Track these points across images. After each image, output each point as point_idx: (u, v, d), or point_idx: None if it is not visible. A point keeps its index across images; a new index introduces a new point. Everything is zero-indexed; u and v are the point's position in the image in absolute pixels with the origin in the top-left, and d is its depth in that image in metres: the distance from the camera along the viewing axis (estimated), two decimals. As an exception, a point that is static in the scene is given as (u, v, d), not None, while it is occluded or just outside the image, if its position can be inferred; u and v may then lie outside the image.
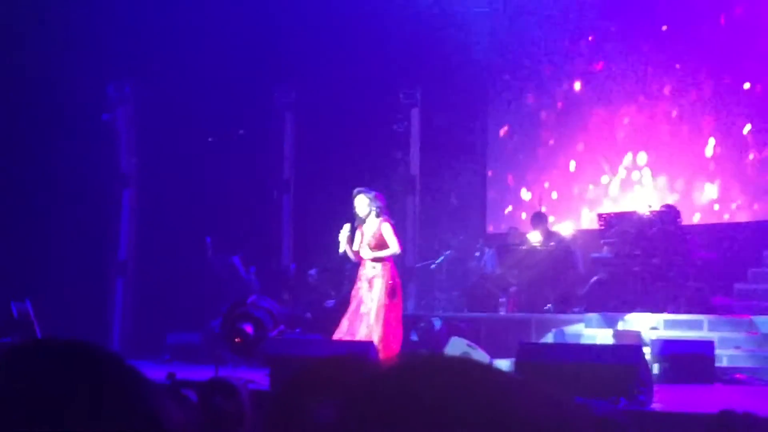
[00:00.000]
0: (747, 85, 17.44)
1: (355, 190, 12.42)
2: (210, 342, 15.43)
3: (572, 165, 19.21)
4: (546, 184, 19.26)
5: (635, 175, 18.58)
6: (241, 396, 5.19)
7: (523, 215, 19.15)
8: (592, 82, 18.96)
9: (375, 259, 12.23)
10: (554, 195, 19.16)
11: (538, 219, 17.38)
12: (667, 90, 18.32)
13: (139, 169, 18.98)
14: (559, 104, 19.36)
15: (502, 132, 20.06)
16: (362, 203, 12.26)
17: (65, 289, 17.23)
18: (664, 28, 18.21)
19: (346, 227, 12.20)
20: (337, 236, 12.31)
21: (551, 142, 19.50)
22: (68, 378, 1.44)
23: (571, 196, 19.15)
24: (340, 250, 12.26)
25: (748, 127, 17.48)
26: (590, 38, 18.86)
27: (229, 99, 18.23)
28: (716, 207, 17.83)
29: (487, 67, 19.47)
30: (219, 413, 4.99)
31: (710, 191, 17.89)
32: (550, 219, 17.87)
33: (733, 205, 17.71)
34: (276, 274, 18.71)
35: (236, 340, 14.88)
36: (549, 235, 17.17)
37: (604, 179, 18.90)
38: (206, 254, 17.53)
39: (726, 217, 17.73)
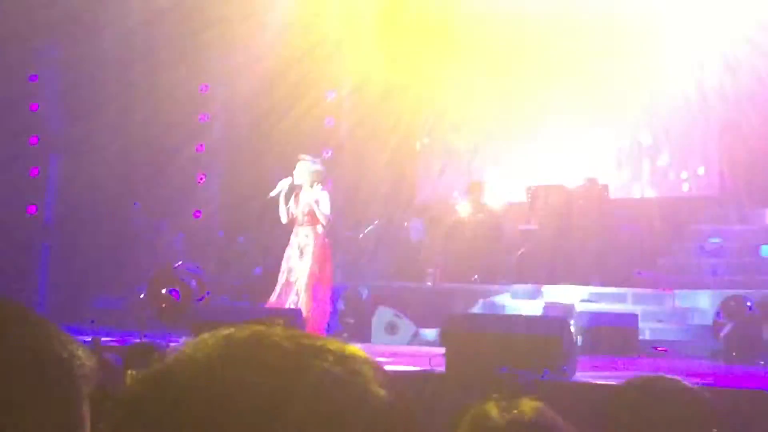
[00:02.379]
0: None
1: (299, 156, 12.38)
2: (135, 307, 15.34)
3: (503, 132, 19.14)
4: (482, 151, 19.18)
5: (564, 147, 18.61)
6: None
7: (450, 185, 19.12)
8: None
9: (307, 228, 12.21)
10: (490, 161, 19.06)
11: (473, 189, 17.42)
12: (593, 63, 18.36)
13: (65, 133, 18.75)
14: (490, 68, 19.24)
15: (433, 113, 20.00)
16: (302, 171, 12.19)
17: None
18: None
19: (288, 179, 12.15)
20: (267, 200, 12.30)
21: (485, 108, 19.40)
22: None
23: (503, 164, 19.10)
24: (272, 194, 12.17)
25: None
26: None
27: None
28: (643, 182, 17.97)
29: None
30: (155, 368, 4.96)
31: (639, 166, 18.01)
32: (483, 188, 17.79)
33: (659, 181, 17.87)
34: (204, 240, 18.61)
35: (162, 305, 14.81)
36: (479, 206, 17.23)
37: (534, 147, 18.87)
38: (133, 219, 17.41)
39: (651, 192, 17.88)
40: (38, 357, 1.44)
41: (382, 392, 1.26)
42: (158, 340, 9.09)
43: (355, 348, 1.34)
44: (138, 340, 9.03)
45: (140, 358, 5.53)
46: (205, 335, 1.28)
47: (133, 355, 5.77)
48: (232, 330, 1.27)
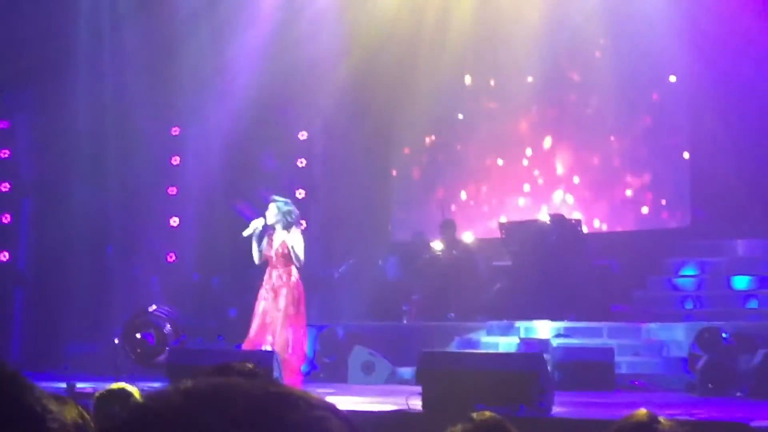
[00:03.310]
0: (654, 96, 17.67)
1: (272, 197, 12.37)
2: (110, 352, 15.25)
3: (476, 171, 19.25)
4: (451, 190, 19.28)
5: (538, 181, 18.67)
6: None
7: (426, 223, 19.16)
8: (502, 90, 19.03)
9: (281, 269, 12.18)
10: (463, 198, 19.15)
11: (446, 226, 17.42)
12: (572, 99, 18.48)
13: (37, 179, 18.69)
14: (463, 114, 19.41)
15: (406, 150, 20.06)
16: (272, 212, 12.16)
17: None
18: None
19: (261, 220, 12.13)
20: (241, 241, 12.27)
21: (458, 149, 19.51)
22: None
23: (477, 201, 19.18)
24: (245, 234, 12.14)
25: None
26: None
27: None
28: (616, 215, 18.03)
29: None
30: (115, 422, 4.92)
31: (611, 199, 18.07)
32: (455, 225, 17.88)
33: (632, 214, 17.93)
34: (178, 283, 18.54)
35: (137, 350, 14.74)
36: (453, 243, 17.23)
37: (506, 182, 18.94)
38: (107, 264, 17.34)
39: (624, 226, 17.93)
40: (10, 412, 1.44)
41: None
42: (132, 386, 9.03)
43: (319, 395, 1.34)
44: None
45: (114, 402, 5.49)
46: (164, 388, 1.28)
47: (106, 400, 5.73)
48: (192, 383, 1.26)
